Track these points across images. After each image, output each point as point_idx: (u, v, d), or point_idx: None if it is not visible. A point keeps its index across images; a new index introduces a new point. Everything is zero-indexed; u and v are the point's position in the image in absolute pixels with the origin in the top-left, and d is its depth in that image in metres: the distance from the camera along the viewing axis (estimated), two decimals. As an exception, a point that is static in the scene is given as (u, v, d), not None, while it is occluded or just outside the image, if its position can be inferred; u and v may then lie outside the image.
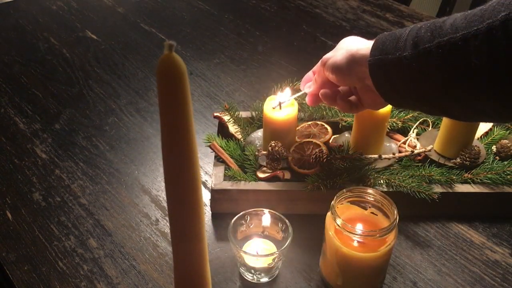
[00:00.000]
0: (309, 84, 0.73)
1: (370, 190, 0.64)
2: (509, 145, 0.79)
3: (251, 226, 0.70)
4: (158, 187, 0.83)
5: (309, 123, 0.85)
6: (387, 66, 0.57)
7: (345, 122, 0.85)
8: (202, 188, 0.79)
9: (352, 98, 0.70)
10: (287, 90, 0.76)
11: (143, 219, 0.77)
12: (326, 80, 0.69)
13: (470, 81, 0.50)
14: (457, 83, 0.51)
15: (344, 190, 0.64)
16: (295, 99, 0.77)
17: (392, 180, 0.74)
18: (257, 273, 0.67)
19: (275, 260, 0.66)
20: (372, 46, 0.60)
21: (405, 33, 0.56)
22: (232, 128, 0.83)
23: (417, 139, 0.83)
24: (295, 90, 0.82)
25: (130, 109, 1.00)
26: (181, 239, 0.49)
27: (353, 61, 0.62)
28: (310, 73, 0.74)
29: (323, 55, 0.75)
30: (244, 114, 0.86)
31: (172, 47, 0.38)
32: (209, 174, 0.85)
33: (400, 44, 0.56)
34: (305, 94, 0.74)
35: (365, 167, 0.75)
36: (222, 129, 0.84)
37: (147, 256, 0.72)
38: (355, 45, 0.64)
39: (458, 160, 0.77)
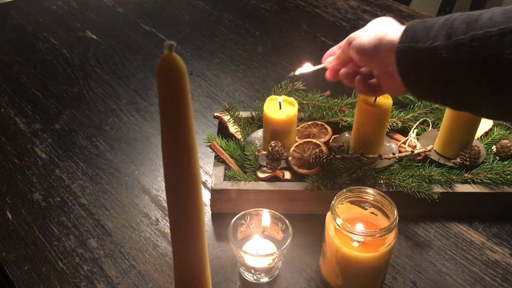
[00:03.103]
0: (330, 58, 0.72)
1: (370, 190, 0.64)
2: (509, 145, 0.79)
3: (251, 226, 0.70)
4: (158, 187, 0.83)
5: (309, 123, 0.85)
6: (416, 54, 0.55)
7: (345, 122, 0.85)
8: (202, 188, 0.79)
9: (373, 81, 0.68)
10: (307, 64, 0.75)
11: (143, 219, 0.77)
12: (348, 58, 0.67)
13: (500, 76, 0.49)
14: (487, 78, 0.50)
15: (344, 190, 0.64)
16: (296, 94, 0.77)
17: (392, 180, 0.74)
18: (257, 273, 0.67)
19: (275, 260, 0.66)
20: (402, 33, 0.58)
21: (438, 23, 0.55)
22: (232, 128, 0.83)
23: (417, 139, 0.83)
24: (294, 88, 0.82)
25: (130, 109, 1.00)
26: (181, 239, 0.49)
27: (380, 45, 0.60)
28: (334, 48, 0.72)
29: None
30: (244, 114, 0.86)
31: (172, 47, 0.38)
32: (209, 174, 0.85)
33: (432, 33, 0.54)
34: (321, 68, 0.73)
35: (365, 167, 0.75)
36: (222, 129, 0.84)
37: (147, 256, 0.72)
38: (384, 28, 0.62)
39: (458, 160, 0.77)
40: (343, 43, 0.69)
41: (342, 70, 0.69)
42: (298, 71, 0.74)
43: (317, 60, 0.74)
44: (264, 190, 0.73)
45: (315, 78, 1.06)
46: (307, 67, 0.75)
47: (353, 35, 0.66)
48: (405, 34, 0.58)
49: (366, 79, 0.68)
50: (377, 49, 0.61)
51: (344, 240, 0.62)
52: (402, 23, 0.61)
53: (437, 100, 0.60)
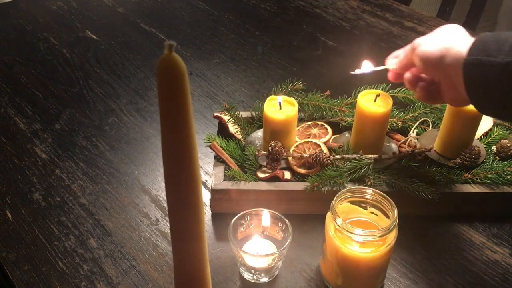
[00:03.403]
0: (394, 61, 0.71)
1: (370, 190, 0.64)
2: (509, 145, 0.79)
3: (251, 226, 0.70)
4: (158, 187, 0.83)
5: (309, 123, 0.85)
6: (486, 68, 0.54)
7: (345, 122, 0.85)
8: (202, 188, 0.79)
9: (434, 88, 0.67)
10: (367, 64, 0.74)
11: (143, 219, 0.77)
12: (411, 63, 0.66)
13: None
14: None
15: (344, 190, 0.64)
16: (296, 94, 0.77)
17: (392, 180, 0.74)
18: (257, 273, 0.67)
19: (275, 260, 0.66)
20: (472, 45, 0.57)
21: None
22: (232, 128, 0.83)
23: (417, 139, 0.83)
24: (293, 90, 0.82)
25: (130, 109, 1.00)
26: (181, 239, 0.49)
27: (446, 55, 0.59)
28: (399, 50, 0.71)
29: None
30: (244, 114, 0.86)
31: (172, 47, 0.38)
32: (209, 174, 0.85)
33: (505, 48, 0.53)
34: (383, 69, 0.73)
35: (365, 167, 0.75)
36: (222, 129, 0.84)
37: (147, 256, 0.72)
38: (452, 38, 0.60)
39: (458, 160, 0.77)
40: (407, 47, 0.67)
41: (406, 75, 0.68)
42: (358, 71, 0.73)
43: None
44: (264, 190, 0.73)
45: (315, 78, 1.06)
46: (367, 67, 0.74)
47: (418, 40, 0.64)
48: (474, 46, 0.56)
49: (428, 87, 0.67)
50: (442, 59, 0.60)
51: (344, 240, 0.62)
52: (473, 35, 0.59)
53: (502, 116, 0.59)
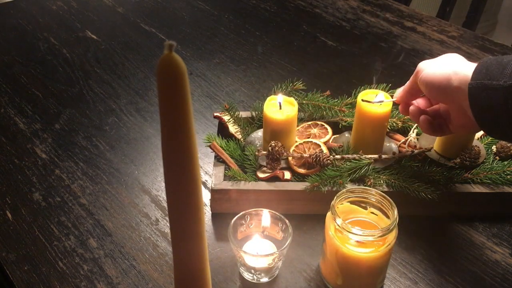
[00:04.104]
0: (399, 90, 0.72)
1: (370, 190, 0.64)
2: (509, 145, 0.79)
3: (251, 226, 0.70)
4: (158, 187, 0.83)
5: (309, 123, 0.85)
6: (490, 92, 0.55)
7: (345, 122, 0.85)
8: (202, 188, 0.79)
9: (437, 121, 0.68)
10: (381, 94, 0.75)
11: (143, 219, 0.77)
12: (416, 88, 0.67)
13: None
14: None
15: (344, 190, 0.64)
16: (296, 94, 0.77)
17: (392, 180, 0.74)
18: (257, 273, 0.67)
19: (275, 260, 0.66)
20: (475, 69, 0.58)
21: None
22: (232, 128, 0.83)
23: (417, 139, 0.83)
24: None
25: (130, 109, 1.00)
26: (181, 239, 0.49)
27: (453, 79, 0.60)
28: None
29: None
30: (244, 114, 0.86)
31: (172, 47, 0.38)
32: (209, 174, 0.85)
33: (507, 71, 0.54)
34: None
35: (365, 167, 0.75)
36: (222, 129, 0.84)
37: (147, 256, 0.72)
38: (456, 63, 0.61)
39: (458, 160, 0.77)
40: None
41: (411, 108, 0.69)
42: (375, 99, 0.74)
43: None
44: (264, 190, 0.73)
45: (315, 78, 1.06)
46: (381, 97, 0.74)
47: (422, 65, 0.65)
48: (477, 70, 0.57)
49: (432, 120, 0.67)
50: (449, 83, 0.60)
51: (344, 240, 0.62)
52: (474, 61, 0.59)
53: (510, 138, 0.59)
